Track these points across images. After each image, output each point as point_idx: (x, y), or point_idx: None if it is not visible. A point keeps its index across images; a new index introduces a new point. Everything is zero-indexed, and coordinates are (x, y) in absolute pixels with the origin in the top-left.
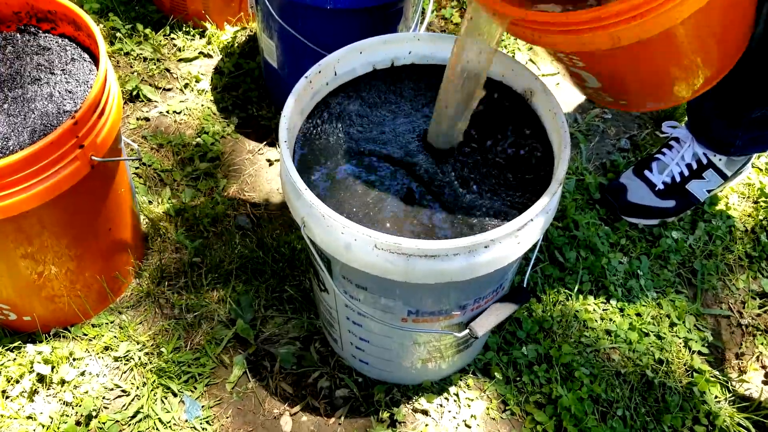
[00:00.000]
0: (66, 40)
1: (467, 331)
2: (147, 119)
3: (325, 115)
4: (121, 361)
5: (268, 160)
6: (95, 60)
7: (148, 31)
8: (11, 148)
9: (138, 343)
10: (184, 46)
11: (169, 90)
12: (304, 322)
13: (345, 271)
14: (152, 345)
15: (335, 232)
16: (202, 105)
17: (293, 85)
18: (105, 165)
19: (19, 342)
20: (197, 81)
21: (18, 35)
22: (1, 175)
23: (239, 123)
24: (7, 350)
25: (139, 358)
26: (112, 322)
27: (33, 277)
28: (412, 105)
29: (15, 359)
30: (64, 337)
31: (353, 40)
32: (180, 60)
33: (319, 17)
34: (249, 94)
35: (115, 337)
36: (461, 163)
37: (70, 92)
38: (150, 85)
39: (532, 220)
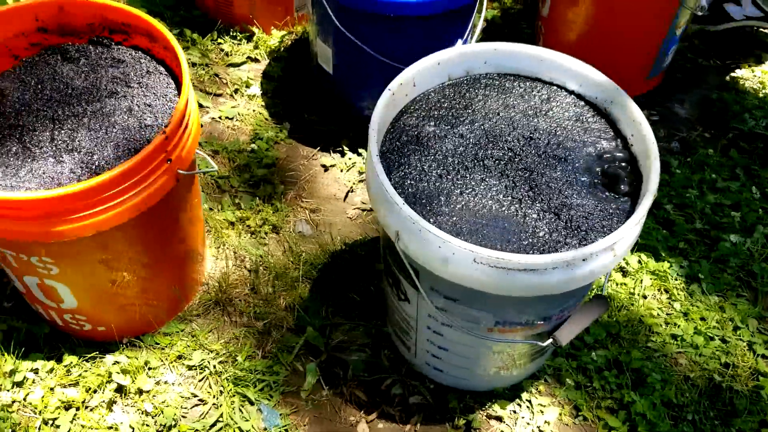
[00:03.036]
0: (139, 52)
1: (550, 340)
2: (200, 125)
3: (407, 126)
4: (195, 369)
5: (323, 166)
6: (170, 72)
7: (195, 36)
8: (96, 163)
9: (211, 352)
10: (231, 51)
11: (219, 95)
12: (371, 329)
13: (434, 282)
14: (225, 353)
15: (432, 246)
16: (254, 110)
17: (349, 92)
18: (186, 177)
19: (95, 352)
20: (247, 86)
21: (91, 47)
22: (95, 192)
23: (291, 128)
24: (83, 360)
25: (214, 367)
26: (182, 331)
27: (109, 287)
28: (487, 113)
29: (92, 369)
30: (137, 346)
31: (416, 47)
32: (228, 65)
33: (382, 24)
34: (300, 99)
35: (187, 345)
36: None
37: (149, 106)
38: (201, 90)
39: (628, 232)
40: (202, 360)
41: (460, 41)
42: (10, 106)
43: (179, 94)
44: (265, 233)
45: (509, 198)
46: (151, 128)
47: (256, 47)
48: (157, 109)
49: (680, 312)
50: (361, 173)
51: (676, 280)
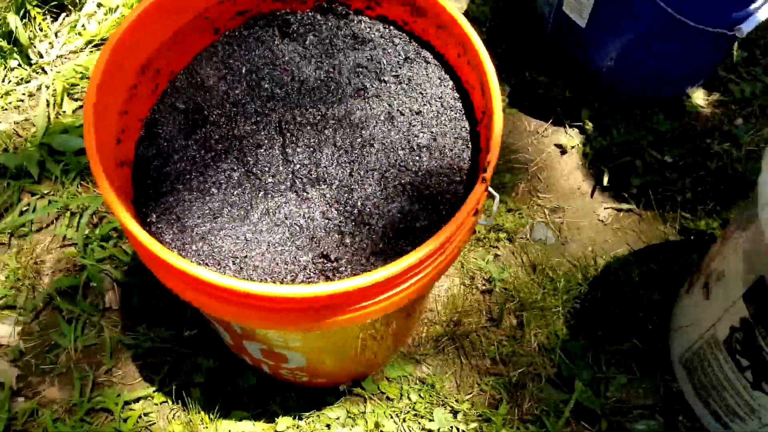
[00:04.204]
0: (390, 27)
1: None
2: None
3: None
4: None
5: (559, 146)
6: (439, 58)
7: None
8: (358, 204)
9: (455, 412)
10: None
11: None
12: (658, 386)
13: None
14: (474, 413)
15: None
16: None
17: (603, 53)
18: None
19: (313, 411)
20: None
21: (320, 17)
22: (401, 274)
23: (512, 92)
24: (297, 419)
25: None
26: (411, 375)
27: (351, 354)
28: None
29: (310, 424)
30: (358, 395)
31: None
32: None
33: None
34: (518, 52)
35: (421, 397)
36: None
37: (417, 114)
38: None
39: None
40: (446, 422)
41: None
42: (218, 105)
43: (459, 94)
44: (496, 240)
45: None
46: (428, 151)
47: None
48: (427, 119)
49: None
50: (612, 158)
51: None
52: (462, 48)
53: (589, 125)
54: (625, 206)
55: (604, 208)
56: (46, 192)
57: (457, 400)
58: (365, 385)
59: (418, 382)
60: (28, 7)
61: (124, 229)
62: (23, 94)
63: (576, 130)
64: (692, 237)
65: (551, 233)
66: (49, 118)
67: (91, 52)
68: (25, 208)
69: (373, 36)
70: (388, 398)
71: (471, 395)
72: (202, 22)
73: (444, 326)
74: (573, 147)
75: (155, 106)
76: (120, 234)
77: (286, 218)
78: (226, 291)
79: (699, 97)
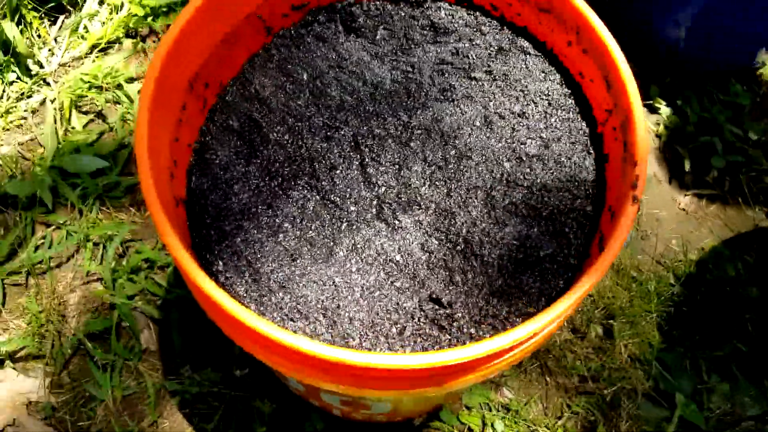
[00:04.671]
0: (477, 13)
1: None
2: None
3: None
4: None
5: None
6: (539, 47)
7: None
8: (460, 231)
9: None
10: None
11: None
12: (765, 391)
13: None
14: None
15: None
16: None
17: (666, 21)
18: None
19: None
20: None
21: (390, 6)
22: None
23: None
24: None
25: None
26: (491, 402)
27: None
28: None
29: None
30: (435, 429)
31: None
32: None
33: None
34: None
35: (506, 425)
36: None
37: (520, 116)
38: None
39: None
40: None
41: None
42: (279, 121)
43: (569, 89)
44: None
45: None
46: (540, 161)
47: None
48: (537, 122)
49: None
50: (689, 139)
51: None
52: (575, 33)
53: (661, 103)
54: (707, 191)
55: (684, 195)
56: (62, 222)
57: (547, 426)
58: (443, 416)
59: (501, 408)
60: (24, 11)
61: (201, 296)
62: (25, 110)
63: (645, 109)
64: None
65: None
66: (57, 136)
67: (98, 57)
68: (40, 242)
69: (456, 25)
70: (470, 429)
71: (562, 419)
72: (255, 22)
73: None
74: None
75: (204, 126)
76: (151, 264)
77: (378, 254)
78: (339, 365)
79: None
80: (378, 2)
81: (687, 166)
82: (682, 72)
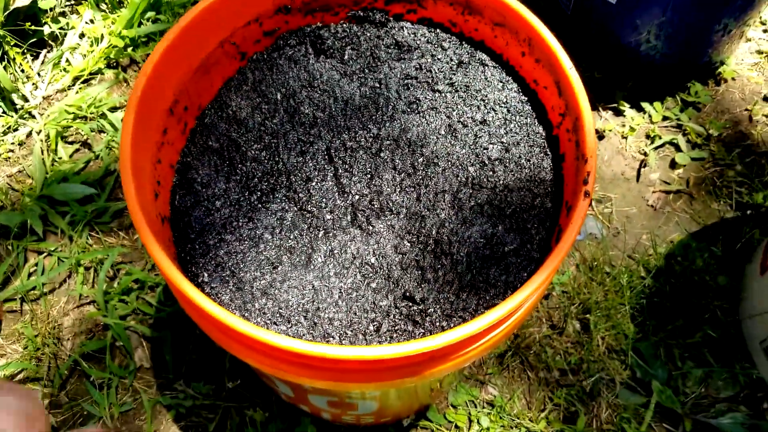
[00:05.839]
0: (437, 30)
1: None
2: None
3: None
4: None
5: (596, 131)
6: (496, 59)
7: None
8: (433, 233)
9: None
10: None
11: None
12: (737, 375)
13: None
14: (551, 431)
15: None
16: None
17: (630, 27)
18: None
19: None
20: None
21: (355, 28)
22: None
23: None
24: None
25: None
26: (476, 399)
27: (428, 392)
28: None
29: None
30: (423, 428)
31: None
32: None
33: None
34: None
35: (491, 421)
36: None
37: (482, 123)
38: None
39: None
40: None
41: None
42: (255, 138)
43: (526, 96)
44: None
45: None
46: (502, 164)
47: None
48: (497, 128)
49: None
50: (650, 137)
51: None
52: (527, 45)
53: (625, 105)
54: (674, 187)
55: (652, 193)
56: (53, 249)
57: (531, 419)
58: (431, 416)
59: (486, 405)
60: (6, 48)
61: (187, 304)
62: (12, 143)
63: (610, 112)
64: (750, 212)
65: (601, 225)
66: (45, 166)
67: (81, 88)
68: (33, 269)
69: (418, 42)
70: (456, 427)
71: (545, 412)
72: (229, 48)
73: (504, 340)
74: (610, 131)
75: (185, 148)
76: (141, 285)
77: (354, 258)
78: (317, 359)
79: (732, 62)
80: (345, 24)
81: (653, 165)
82: (645, 75)
